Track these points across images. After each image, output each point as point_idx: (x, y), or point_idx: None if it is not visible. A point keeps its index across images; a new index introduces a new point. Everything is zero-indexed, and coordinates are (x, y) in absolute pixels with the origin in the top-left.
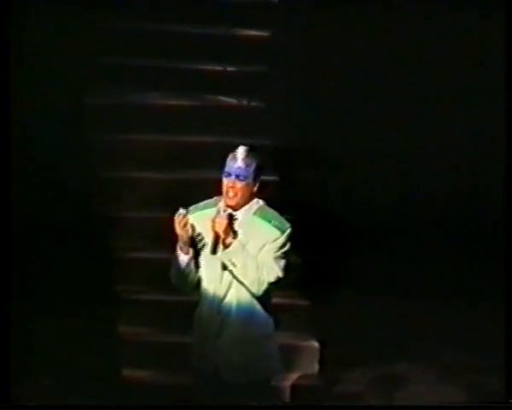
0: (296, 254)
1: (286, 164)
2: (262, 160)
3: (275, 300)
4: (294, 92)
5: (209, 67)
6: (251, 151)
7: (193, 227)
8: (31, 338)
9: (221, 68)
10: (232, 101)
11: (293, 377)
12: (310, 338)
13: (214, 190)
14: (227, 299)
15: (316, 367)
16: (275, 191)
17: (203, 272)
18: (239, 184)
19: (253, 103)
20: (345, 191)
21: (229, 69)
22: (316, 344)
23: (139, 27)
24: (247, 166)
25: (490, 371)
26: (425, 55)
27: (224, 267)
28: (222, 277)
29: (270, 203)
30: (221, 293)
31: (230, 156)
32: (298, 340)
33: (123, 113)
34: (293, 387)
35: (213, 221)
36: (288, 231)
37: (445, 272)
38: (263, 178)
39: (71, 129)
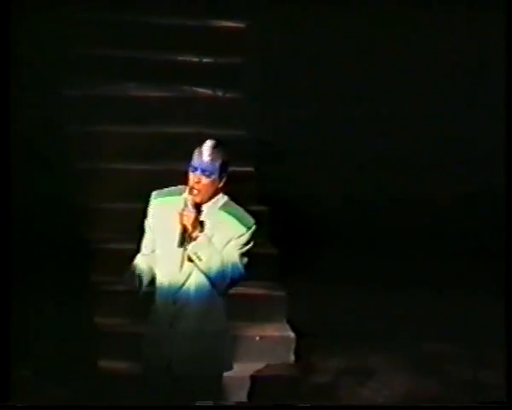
0: (272, 246)
1: (261, 155)
2: (228, 154)
3: (251, 290)
4: (270, 84)
5: (185, 59)
6: (217, 146)
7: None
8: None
9: (197, 59)
10: (208, 92)
11: (270, 368)
12: (286, 329)
13: None
14: (184, 289)
15: (292, 358)
16: (250, 182)
17: (162, 261)
18: (204, 180)
19: (228, 95)
20: (321, 182)
21: (204, 60)
22: (292, 335)
23: (116, 19)
24: (213, 161)
25: (489, 366)
26: (415, 53)
27: (189, 260)
28: (182, 266)
29: (246, 195)
30: (178, 283)
31: (197, 151)
32: (274, 331)
33: (99, 104)
34: (269, 378)
35: (181, 214)
36: (254, 227)
37: (441, 266)
38: (237, 169)
39: (48, 120)
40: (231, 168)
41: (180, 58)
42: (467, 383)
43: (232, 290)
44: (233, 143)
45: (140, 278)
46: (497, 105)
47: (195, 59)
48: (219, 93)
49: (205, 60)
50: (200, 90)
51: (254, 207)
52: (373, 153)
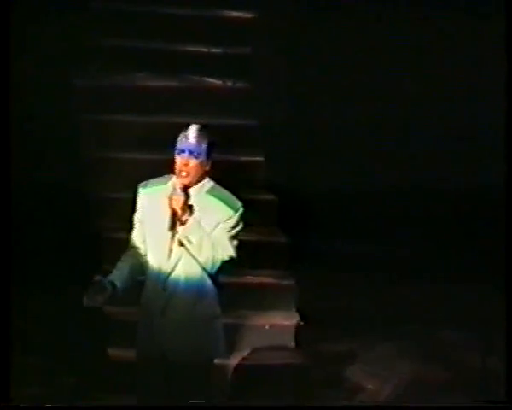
0: (281, 234)
1: (270, 144)
2: (213, 138)
3: (260, 279)
4: (279, 73)
5: (194, 49)
6: (202, 129)
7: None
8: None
9: (206, 49)
10: (217, 82)
11: (279, 356)
12: (295, 318)
13: None
14: (173, 276)
15: (301, 347)
16: (260, 171)
17: (151, 249)
18: (192, 162)
19: (237, 84)
20: (330, 171)
21: (214, 50)
22: (301, 323)
23: (126, 9)
24: (200, 143)
25: (489, 354)
26: (417, 51)
27: (180, 244)
28: (170, 253)
29: (256, 184)
30: (168, 270)
31: (181, 135)
32: (283, 319)
33: (108, 94)
34: (278, 367)
35: (170, 198)
36: (241, 210)
37: (442, 254)
38: (247, 158)
39: (58, 110)
40: (241, 158)
41: (189, 48)
42: (474, 372)
43: (241, 279)
44: (242, 133)
45: (108, 286)
46: (498, 102)
47: (205, 49)
48: (229, 83)
49: (214, 50)
50: (210, 79)
51: (264, 196)
52: (382, 143)
